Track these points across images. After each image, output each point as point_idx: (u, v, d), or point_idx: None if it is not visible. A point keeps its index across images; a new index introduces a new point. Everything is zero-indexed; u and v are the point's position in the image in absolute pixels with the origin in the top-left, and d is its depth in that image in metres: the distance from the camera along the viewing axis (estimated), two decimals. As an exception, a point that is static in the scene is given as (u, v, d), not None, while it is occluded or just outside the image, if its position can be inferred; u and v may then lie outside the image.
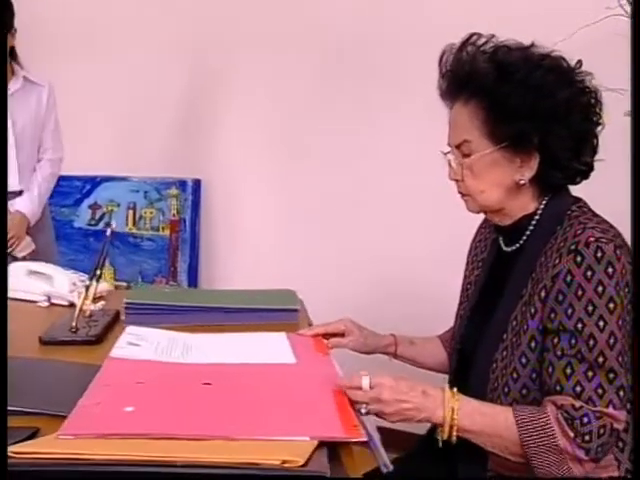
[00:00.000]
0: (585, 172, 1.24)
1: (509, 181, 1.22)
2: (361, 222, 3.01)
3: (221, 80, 3.25)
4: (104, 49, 3.40)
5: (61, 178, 3.51)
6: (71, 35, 3.44)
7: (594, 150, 1.23)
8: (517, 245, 1.26)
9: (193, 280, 3.36)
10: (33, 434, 0.95)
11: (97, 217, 3.55)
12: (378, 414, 1.10)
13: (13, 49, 2.57)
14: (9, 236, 2.49)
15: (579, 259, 1.11)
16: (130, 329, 1.44)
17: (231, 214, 3.34)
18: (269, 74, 3.16)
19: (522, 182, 1.21)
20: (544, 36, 1.25)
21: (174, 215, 3.36)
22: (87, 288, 1.56)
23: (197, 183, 3.32)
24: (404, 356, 1.50)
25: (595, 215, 1.21)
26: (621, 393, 1.10)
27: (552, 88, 1.17)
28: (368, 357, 1.54)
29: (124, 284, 3.48)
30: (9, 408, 1.02)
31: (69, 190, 3.56)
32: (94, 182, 3.53)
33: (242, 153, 3.27)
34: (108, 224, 3.50)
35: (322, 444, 0.89)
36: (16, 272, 1.90)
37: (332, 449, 0.91)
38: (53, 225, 3.48)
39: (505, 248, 1.30)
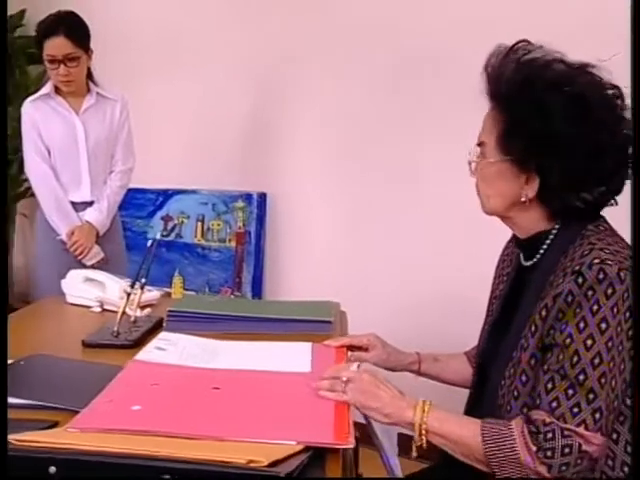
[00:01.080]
0: (586, 210, 1.20)
1: (515, 195, 1.22)
2: (425, 237, 3.02)
3: (287, 97, 3.33)
4: (176, 67, 3.55)
5: (136, 191, 3.71)
6: (145, 53, 3.62)
7: (604, 191, 1.19)
8: (534, 260, 1.26)
9: (257, 291, 3.44)
10: (50, 427, 1.02)
11: (169, 228, 3.69)
12: (352, 394, 1.14)
13: (89, 69, 2.72)
14: (77, 244, 2.63)
15: (580, 280, 1.10)
16: (163, 334, 1.51)
17: (295, 227, 3.41)
18: (333, 90, 3.22)
19: (523, 200, 1.21)
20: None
21: (240, 227, 3.46)
22: (128, 295, 1.65)
23: (262, 196, 3.41)
24: (428, 373, 1.52)
25: (611, 235, 1.18)
26: (597, 415, 1.07)
27: (561, 118, 1.15)
28: (395, 374, 1.57)
29: (192, 293, 3.60)
30: (32, 402, 1.11)
31: (143, 202, 3.72)
32: (166, 195, 3.68)
33: (306, 168, 3.34)
34: (178, 235, 3.66)
35: (312, 449, 0.92)
36: (73, 279, 2.02)
37: (321, 455, 0.95)
38: (127, 235, 3.67)
39: (524, 262, 1.30)
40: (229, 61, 3.42)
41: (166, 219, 3.70)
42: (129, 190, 3.66)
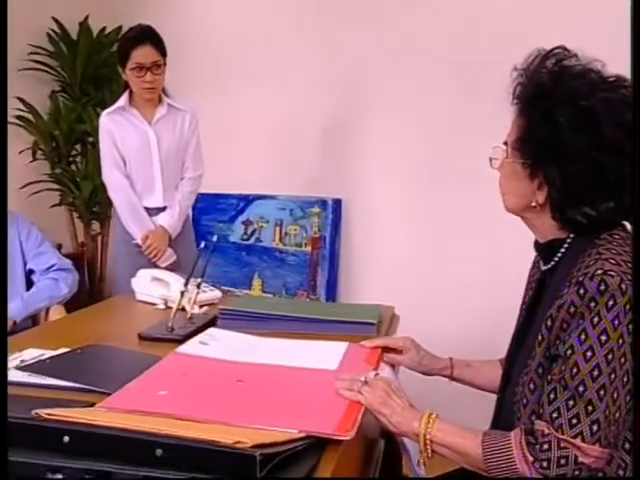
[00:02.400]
0: (592, 225, 1.20)
1: (528, 197, 1.24)
2: (493, 244, 3.02)
3: (362, 106, 3.41)
4: (258, 77, 3.69)
5: (219, 196, 3.88)
6: (228, 63, 3.77)
7: (612, 207, 1.19)
8: (550, 265, 1.28)
9: (331, 294, 3.53)
10: (86, 407, 1.14)
11: (249, 232, 3.83)
12: (367, 395, 1.20)
13: None
14: (151, 248, 2.78)
15: (582, 291, 1.11)
16: (210, 330, 1.62)
17: (369, 232, 3.48)
18: (408, 98, 3.28)
19: (533, 205, 1.23)
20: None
21: (315, 232, 3.55)
22: (182, 293, 1.77)
23: (337, 202, 3.50)
24: (461, 379, 1.55)
25: (623, 245, 1.17)
26: (594, 427, 1.07)
27: (567, 131, 1.16)
28: (430, 378, 1.61)
29: (270, 295, 3.72)
30: (74, 385, 1.23)
31: (225, 207, 3.88)
32: (247, 200, 3.82)
33: (380, 175, 3.41)
34: (258, 239, 3.79)
35: (309, 440, 0.99)
36: (142, 278, 2.17)
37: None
38: (209, 239, 3.82)
39: (542, 266, 1.31)
40: (307, 70, 3.52)
41: (246, 223, 3.84)
42: (212, 195, 3.87)
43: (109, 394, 1.16)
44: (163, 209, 2.87)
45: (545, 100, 1.20)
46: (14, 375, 1.31)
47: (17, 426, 0.90)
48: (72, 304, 2.66)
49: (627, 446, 1.15)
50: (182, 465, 0.82)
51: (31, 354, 1.46)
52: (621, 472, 1.15)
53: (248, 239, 3.83)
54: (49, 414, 0.95)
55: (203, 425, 0.98)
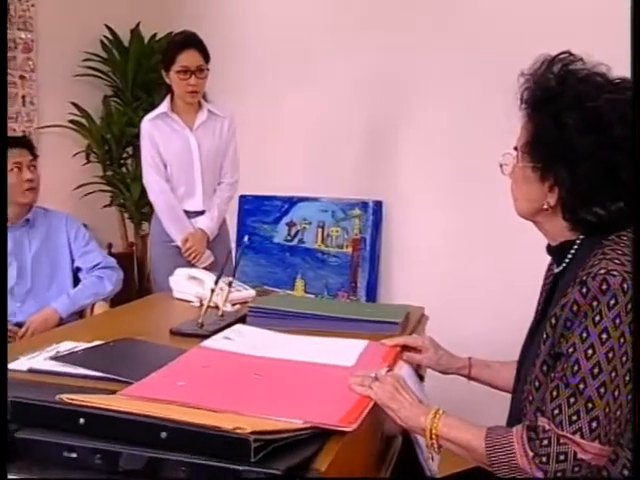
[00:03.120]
0: (602, 224, 1.22)
1: (539, 201, 1.27)
2: (534, 249, 3.01)
3: (402, 109, 3.45)
4: (302, 82, 3.76)
5: (264, 198, 3.96)
6: (271, 68, 3.85)
7: (622, 207, 1.20)
8: (561, 268, 1.30)
9: (371, 295, 3.57)
10: (107, 394, 1.21)
11: (292, 234, 3.90)
12: (376, 390, 1.24)
13: None
14: (191, 250, 2.87)
15: (584, 290, 1.13)
16: (237, 326, 1.68)
17: (409, 234, 3.51)
18: (448, 101, 3.30)
19: (545, 207, 1.25)
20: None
21: (356, 234, 3.60)
22: (212, 291, 1.84)
23: (378, 204, 3.54)
24: (478, 378, 1.58)
25: (629, 246, 1.18)
26: (594, 424, 1.09)
27: (576, 132, 1.19)
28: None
29: (312, 296, 3.78)
30: (100, 374, 1.31)
31: (270, 209, 3.95)
32: (291, 202, 3.89)
33: (420, 177, 3.43)
34: (301, 240, 3.85)
35: (312, 430, 1.04)
36: (179, 277, 2.25)
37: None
38: (254, 240, 3.92)
39: (555, 269, 1.33)
40: (348, 73, 3.58)
41: (290, 225, 3.91)
42: (257, 197, 3.96)
43: (131, 383, 1.23)
44: (202, 212, 2.96)
45: (553, 104, 1.23)
46: (48, 365, 1.40)
47: (40, 408, 0.97)
48: (121, 302, 2.76)
49: (632, 445, 1.17)
50: (185, 448, 0.88)
51: (67, 346, 1.55)
52: (626, 472, 1.17)
53: (291, 240, 3.89)
54: (71, 399, 1.02)
55: (212, 413, 1.04)
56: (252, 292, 2.21)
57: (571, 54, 1.28)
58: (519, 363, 1.41)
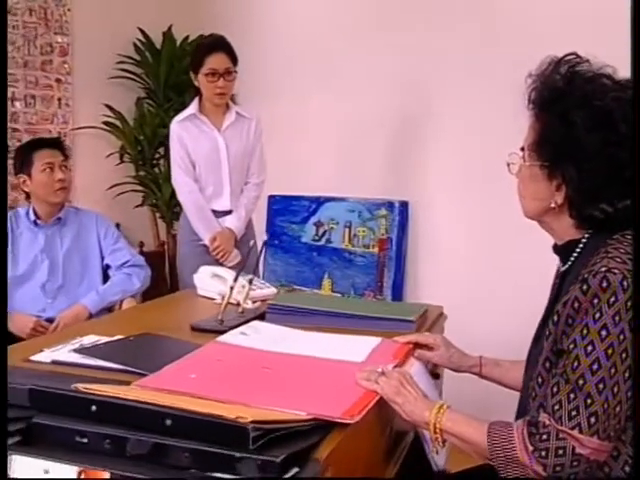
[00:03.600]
0: (609, 221, 1.23)
1: (547, 200, 1.28)
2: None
3: (428, 110, 3.46)
4: (329, 83, 3.80)
5: (292, 198, 4.02)
6: (299, 71, 3.90)
7: (629, 205, 1.22)
8: (567, 267, 1.32)
9: (397, 294, 3.59)
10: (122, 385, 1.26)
11: (320, 234, 3.94)
12: (382, 385, 1.28)
13: None
14: (219, 249, 2.92)
15: (585, 287, 1.15)
16: (254, 323, 1.73)
17: (435, 234, 3.52)
18: (475, 102, 3.30)
19: (552, 206, 1.27)
20: None
21: (383, 234, 3.62)
22: (231, 289, 1.88)
23: (404, 205, 3.56)
24: (489, 377, 1.60)
25: (632, 244, 1.21)
26: (592, 419, 1.11)
27: (584, 130, 1.21)
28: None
29: (339, 295, 3.82)
30: (116, 366, 1.36)
31: (298, 209, 4.00)
32: (319, 202, 3.93)
33: (446, 178, 3.45)
34: (328, 240, 3.89)
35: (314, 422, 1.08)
36: (203, 274, 2.30)
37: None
38: (283, 239, 3.97)
39: (561, 268, 1.35)
40: (375, 74, 3.61)
41: (318, 225, 3.95)
42: (286, 197, 4.01)
43: (147, 375, 1.28)
44: (229, 212, 3.02)
45: (560, 103, 1.25)
46: (70, 357, 1.47)
47: (55, 396, 1.03)
48: (152, 299, 2.82)
49: (634, 442, 1.18)
50: (188, 435, 0.93)
51: (90, 339, 1.61)
52: (627, 468, 1.18)
53: (319, 240, 3.94)
54: (85, 388, 1.07)
55: (218, 403, 1.08)
56: (273, 290, 2.25)
57: (578, 55, 1.30)
58: (527, 361, 1.43)
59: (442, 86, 3.42)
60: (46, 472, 0.85)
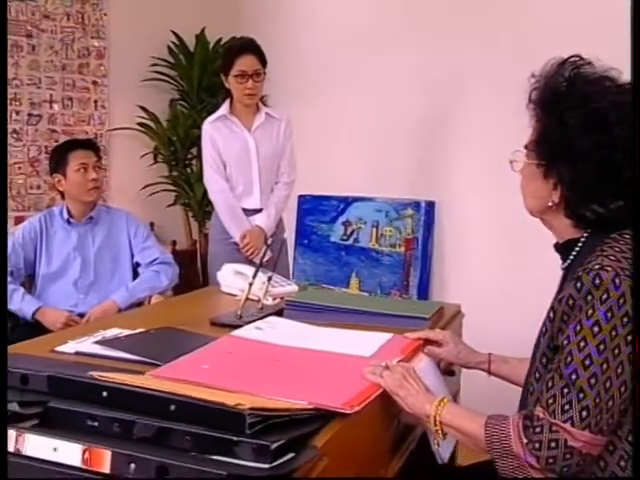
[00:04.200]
0: (603, 222, 1.26)
1: (545, 197, 1.32)
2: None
3: (454, 110, 3.48)
4: (357, 85, 3.85)
5: (322, 198, 4.07)
6: (326, 73, 3.96)
7: (622, 206, 1.24)
8: (567, 264, 1.34)
9: (423, 294, 3.62)
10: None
11: (348, 233, 3.99)
12: (386, 378, 1.32)
13: None
14: (249, 246, 2.99)
15: (579, 285, 1.18)
16: (270, 318, 1.79)
17: (461, 234, 3.54)
18: (500, 102, 3.31)
19: (550, 205, 1.30)
20: None
21: (409, 234, 3.66)
22: (250, 285, 1.94)
23: (430, 205, 3.59)
24: (497, 374, 1.63)
25: (629, 243, 1.22)
26: (584, 413, 1.14)
27: (579, 132, 1.24)
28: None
29: (366, 294, 3.86)
30: (133, 357, 1.43)
31: (328, 208, 4.06)
32: (347, 202, 3.98)
33: (472, 178, 3.46)
34: (356, 239, 3.94)
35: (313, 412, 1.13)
36: (226, 272, 2.37)
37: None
38: (312, 239, 4.03)
39: (561, 266, 1.38)
40: (402, 75, 3.65)
41: (346, 224, 4.00)
42: (316, 197, 4.07)
43: (161, 366, 1.35)
44: (259, 210, 3.08)
45: (558, 104, 1.28)
46: (92, 348, 1.54)
47: (70, 382, 1.10)
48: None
49: (631, 438, 1.21)
50: (190, 420, 0.98)
51: (113, 332, 1.68)
52: (623, 463, 1.21)
53: (347, 239, 3.98)
54: (100, 375, 1.14)
55: (224, 392, 1.14)
56: (294, 287, 2.31)
57: (581, 58, 1.32)
58: (532, 357, 1.46)
59: (468, 86, 3.43)
60: (55, 450, 0.91)
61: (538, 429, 1.17)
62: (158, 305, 2.46)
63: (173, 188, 4.42)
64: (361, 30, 3.82)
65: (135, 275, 2.80)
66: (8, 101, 4.05)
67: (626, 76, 1.33)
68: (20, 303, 2.57)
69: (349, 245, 3.96)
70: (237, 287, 2.26)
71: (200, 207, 4.34)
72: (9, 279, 2.60)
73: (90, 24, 4.29)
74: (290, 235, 4.10)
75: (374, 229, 3.84)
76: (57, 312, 2.58)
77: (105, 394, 1.05)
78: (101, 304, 2.64)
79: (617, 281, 1.15)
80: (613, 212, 1.25)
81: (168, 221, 4.50)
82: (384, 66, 3.71)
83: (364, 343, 1.58)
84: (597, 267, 1.18)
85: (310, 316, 1.90)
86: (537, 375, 1.27)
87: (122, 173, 4.45)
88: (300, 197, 4.10)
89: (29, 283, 2.74)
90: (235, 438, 0.94)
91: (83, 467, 0.89)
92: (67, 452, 0.90)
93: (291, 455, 0.98)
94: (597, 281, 1.16)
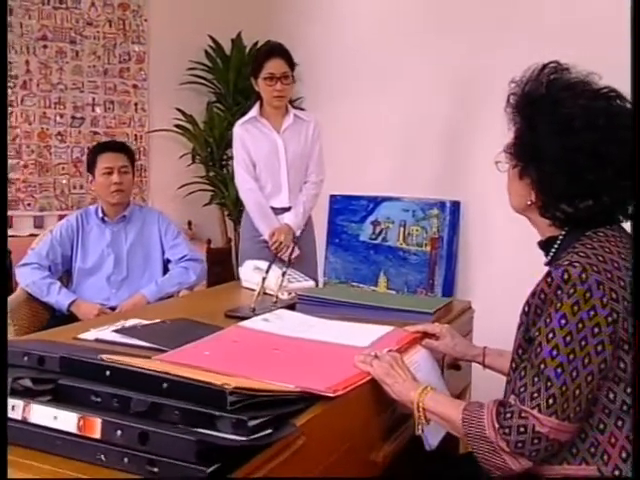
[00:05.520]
0: (567, 221, 1.33)
1: (525, 196, 1.39)
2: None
3: (478, 111, 3.54)
4: (385, 87, 3.93)
5: (352, 198, 4.17)
6: (355, 75, 4.05)
7: (591, 205, 1.31)
8: (547, 261, 1.42)
9: (448, 292, 3.68)
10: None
11: (377, 232, 4.07)
12: (375, 366, 1.42)
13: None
14: (277, 243, 3.10)
15: (549, 280, 1.26)
16: (279, 311, 1.89)
17: (486, 233, 3.60)
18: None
19: (529, 203, 1.37)
20: None
21: (434, 233, 3.73)
22: (263, 280, 2.05)
23: (455, 204, 3.65)
24: (492, 366, 1.70)
25: (604, 241, 1.29)
26: (550, 401, 1.21)
27: (546, 136, 1.31)
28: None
29: (393, 292, 3.94)
30: (143, 343, 1.55)
31: (357, 208, 4.15)
32: (376, 201, 4.06)
33: (497, 178, 3.50)
34: (384, 238, 4.02)
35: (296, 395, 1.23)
36: (247, 268, 2.49)
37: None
38: (342, 237, 4.13)
39: (544, 262, 1.45)
40: (429, 76, 3.73)
41: (375, 224, 4.09)
42: (346, 197, 4.16)
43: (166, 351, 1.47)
44: (288, 209, 3.19)
45: (532, 108, 1.36)
46: (110, 336, 1.68)
47: (78, 362, 1.22)
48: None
49: (601, 426, 1.27)
50: (180, 396, 1.09)
51: (132, 322, 1.82)
52: (592, 449, 1.27)
53: (376, 238, 4.07)
54: (108, 357, 1.26)
55: (217, 374, 1.24)
56: (311, 283, 2.42)
57: (560, 64, 1.39)
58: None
59: (493, 87, 3.47)
60: (55, 418, 1.03)
61: (509, 415, 1.24)
62: (181, 298, 2.59)
63: (209, 188, 4.56)
64: (389, 33, 3.91)
65: (166, 271, 2.94)
66: (53, 105, 4.25)
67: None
68: (57, 296, 2.73)
69: (377, 244, 4.05)
70: (255, 282, 2.35)
71: (235, 206, 4.46)
72: (47, 273, 2.76)
73: (131, 30, 4.47)
74: (322, 234, 4.20)
75: (401, 228, 3.92)
76: (90, 305, 2.73)
77: (108, 373, 1.17)
78: (131, 298, 2.78)
79: (584, 276, 1.22)
80: (582, 212, 1.32)
81: (205, 220, 4.65)
82: (412, 68, 3.79)
83: (363, 335, 1.67)
84: (566, 263, 1.25)
85: (320, 310, 2.00)
86: (514, 365, 1.35)
87: (161, 173, 4.62)
88: (331, 197, 4.20)
89: (67, 278, 2.90)
90: (217, 413, 1.05)
91: (78, 433, 1.01)
92: (65, 420, 1.02)
93: (269, 431, 1.08)
94: (565, 276, 1.23)
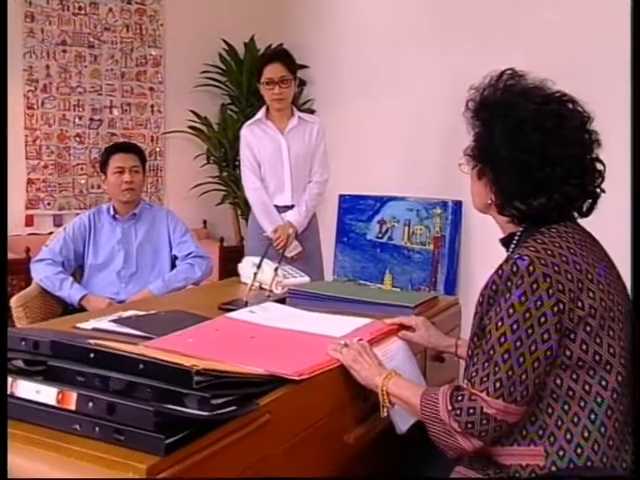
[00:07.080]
0: (521, 218, 1.43)
1: (485, 196, 1.49)
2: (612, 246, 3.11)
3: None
4: (390, 89, 4.03)
5: (360, 197, 4.27)
6: (363, 77, 4.16)
7: (544, 202, 1.39)
8: (507, 256, 1.51)
9: (450, 289, 3.78)
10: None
11: (383, 231, 4.18)
12: (344, 354, 1.53)
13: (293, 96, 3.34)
14: (280, 240, 3.22)
15: (500, 272, 1.35)
16: (266, 304, 2.01)
17: (487, 233, 3.65)
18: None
19: (489, 202, 1.47)
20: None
21: (437, 232, 3.82)
22: (255, 275, 2.17)
23: (457, 204, 3.74)
24: (463, 357, 1.79)
25: (555, 236, 1.38)
26: (497, 384, 1.30)
27: (500, 139, 1.40)
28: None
29: (398, 290, 4.03)
30: (134, 332, 1.67)
31: (364, 207, 4.26)
32: (382, 201, 4.17)
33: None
34: (390, 237, 4.12)
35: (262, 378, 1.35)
36: (245, 264, 2.61)
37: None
38: (350, 236, 4.24)
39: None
40: (433, 78, 3.82)
41: (381, 223, 4.20)
42: (354, 196, 4.27)
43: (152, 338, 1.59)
44: (291, 207, 3.32)
45: (487, 113, 1.46)
46: (106, 325, 1.80)
47: (66, 346, 1.35)
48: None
49: (550, 411, 1.37)
50: (154, 377, 1.21)
51: (128, 313, 1.94)
52: (541, 432, 1.37)
53: (382, 237, 4.18)
54: (96, 343, 1.39)
55: (193, 358, 1.36)
56: (306, 279, 2.53)
57: (515, 71, 1.49)
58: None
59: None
60: (37, 392, 1.16)
61: (460, 397, 1.35)
62: (183, 292, 2.72)
63: (223, 188, 4.70)
64: (396, 37, 4.02)
65: (173, 267, 3.07)
66: (72, 107, 4.42)
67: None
68: (69, 290, 2.88)
69: (384, 243, 4.16)
70: (251, 277, 2.48)
71: (247, 205, 4.56)
72: (60, 269, 2.91)
73: (147, 34, 4.62)
74: (331, 233, 4.32)
75: (406, 227, 4.02)
76: (100, 299, 2.87)
77: (92, 355, 1.30)
78: (139, 293, 2.91)
79: (531, 268, 1.32)
80: (535, 209, 1.41)
81: (218, 219, 4.79)
82: (417, 72, 3.89)
83: (340, 326, 1.78)
84: (515, 256, 1.35)
85: (309, 303, 2.11)
86: (469, 352, 1.45)
87: (176, 173, 4.77)
88: (340, 197, 4.32)
89: (80, 273, 3.05)
90: (184, 391, 1.17)
91: (57, 405, 1.14)
92: (46, 394, 1.15)
93: (232, 408, 1.20)
94: (514, 268, 1.33)
